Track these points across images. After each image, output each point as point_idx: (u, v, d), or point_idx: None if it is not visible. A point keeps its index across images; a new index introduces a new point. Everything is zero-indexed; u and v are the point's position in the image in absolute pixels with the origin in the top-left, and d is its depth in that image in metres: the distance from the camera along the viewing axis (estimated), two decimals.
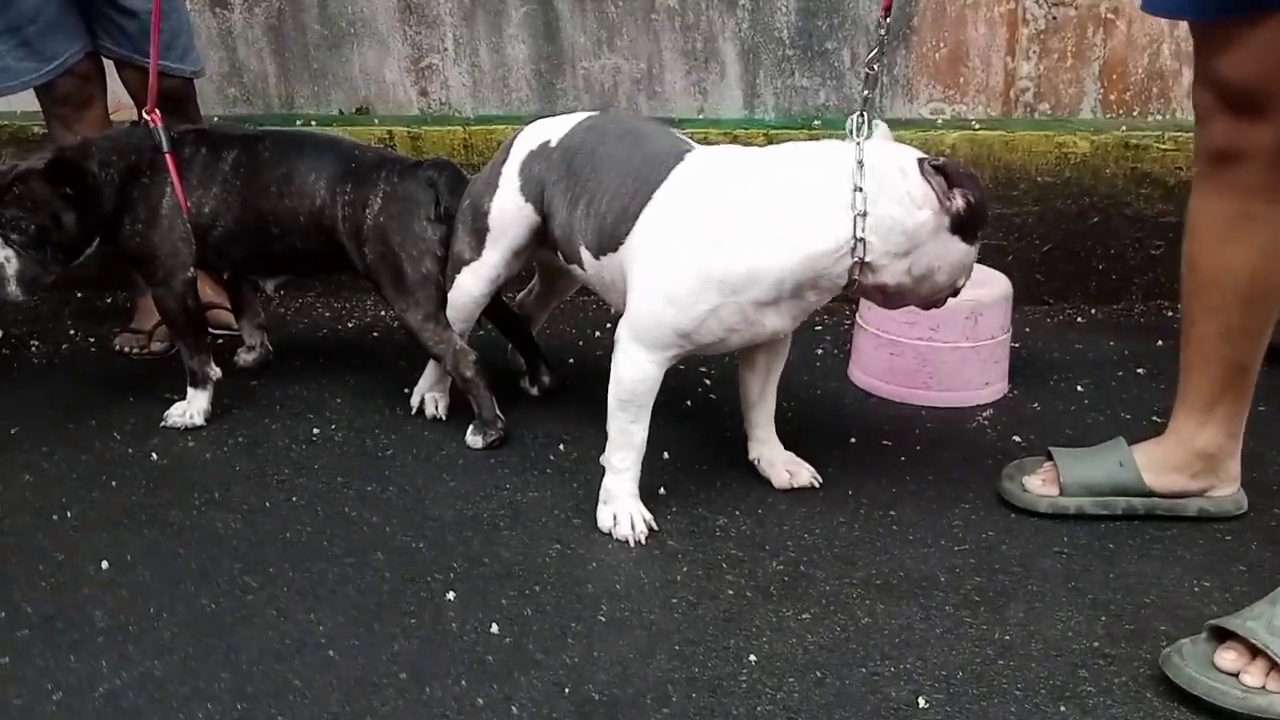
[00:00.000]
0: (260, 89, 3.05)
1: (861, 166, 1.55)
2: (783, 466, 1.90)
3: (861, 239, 1.56)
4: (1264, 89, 1.47)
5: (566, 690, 1.38)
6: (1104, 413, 2.16)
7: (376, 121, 2.95)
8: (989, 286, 2.20)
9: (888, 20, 1.65)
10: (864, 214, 1.55)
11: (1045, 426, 2.10)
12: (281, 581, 1.61)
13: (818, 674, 1.40)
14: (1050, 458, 1.83)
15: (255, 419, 2.15)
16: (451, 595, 1.57)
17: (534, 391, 2.24)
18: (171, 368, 2.39)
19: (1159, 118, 2.86)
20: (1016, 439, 2.05)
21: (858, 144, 1.57)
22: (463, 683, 1.39)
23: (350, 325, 2.70)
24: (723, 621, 1.51)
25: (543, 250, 1.98)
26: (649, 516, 1.74)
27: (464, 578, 1.62)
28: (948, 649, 1.45)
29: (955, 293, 1.70)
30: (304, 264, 2.18)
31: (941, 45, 2.88)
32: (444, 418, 2.13)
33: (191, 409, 2.10)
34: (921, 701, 1.35)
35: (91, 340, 2.62)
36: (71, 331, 2.67)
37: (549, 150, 1.88)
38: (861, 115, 1.58)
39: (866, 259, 1.57)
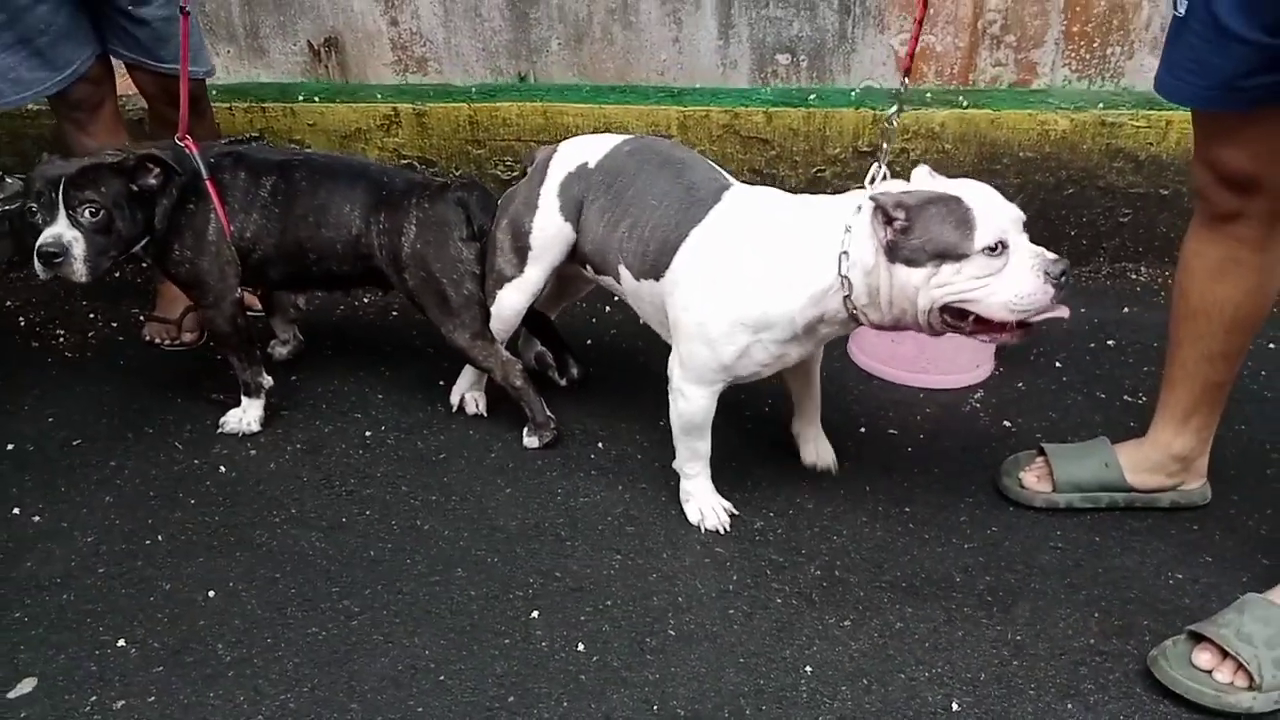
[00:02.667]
0: (223, 18, 3.03)
1: (859, 210, 1.70)
2: (814, 446, 2.14)
3: (845, 277, 1.70)
4: (1257, 173, 1.65)
5: (655, 707, 1.60)
6: (1081, 392, 2.40)
7: (380, 97, 2.97)
8: None
9: (905, 80, 1.78)
10: (846, 253, 1.69)
11: (1030, 408, 2.34)
12: (379, 605, 1.79)
13: (864, 681, 1.65)
14: (1042, 453, 2.07)
15: (307, 422, 2.28)
16: (536, 614, 1.77)
17: (563, 383, 2.40)
18: (207, 361, 2.50)
19: (1116, 49, 3.01)
20: (1007, 423, 2.29)
21: (868, 191, 1.71)
22: (564, 703, 1.61)
23: (367, 302, 2.81)
24: (776, 632, 1.74)
25: (569, 264, 2.11)
26: (728, 505, 1.99)
27: (542, 594, 1.82)
28: (970, 651, 1.71)
29: (1020, 324, 1.67)
30: (338, 284, 2.28)
31: None
32: (485, 414, 2.29)
33: (248, 417, 2.22)
34: (954, 705, 1.61)
35: (115, 325, 2.69)
36: (92, 315, 2.73)
37: (588, 172, 2.00)
38: (878, 165, 1.73)
39: (850, 295, 1.72)
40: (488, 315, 2.14)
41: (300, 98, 2.97)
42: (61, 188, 1.92)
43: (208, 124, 2.52)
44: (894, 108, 1.80)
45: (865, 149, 2.93)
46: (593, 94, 2.98)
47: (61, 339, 2.63)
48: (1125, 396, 2.38)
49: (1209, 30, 1.57)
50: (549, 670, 1.67)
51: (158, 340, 2.58)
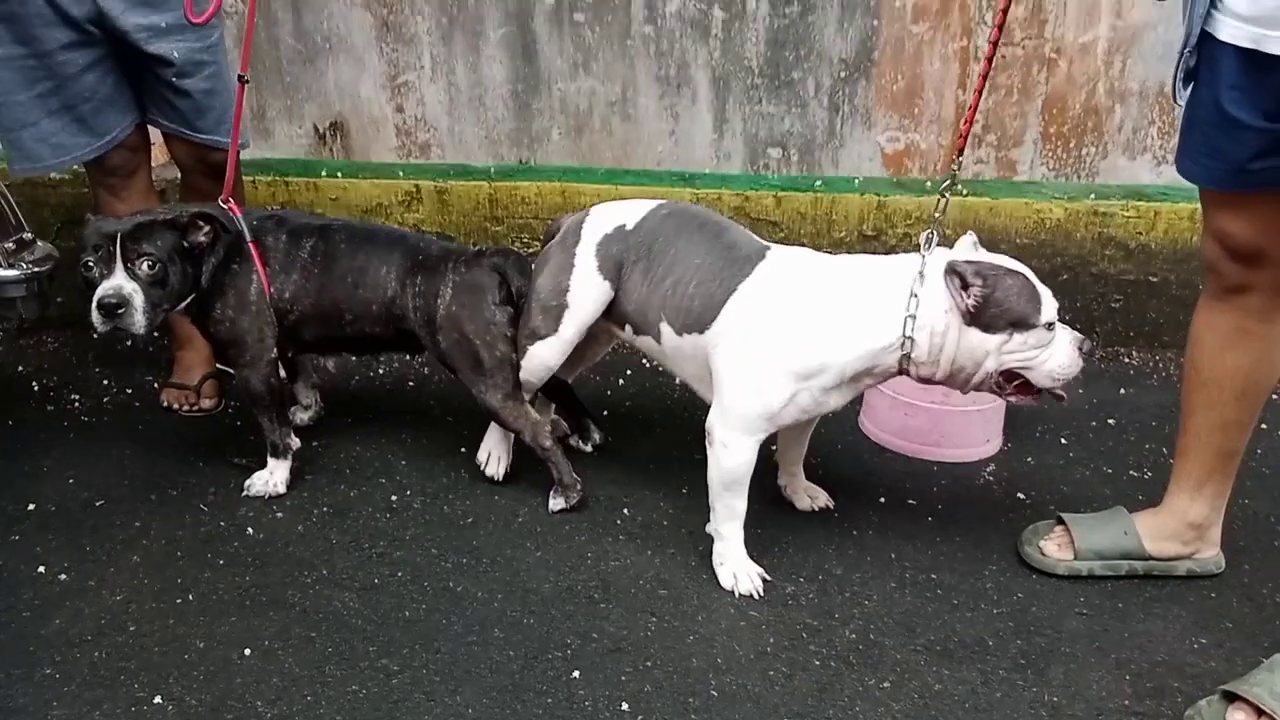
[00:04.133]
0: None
1: (922, 277, 1.83)
2: (805, 493, 2.27)
3: (910, 337, 1.83)
4: (1263, 246, 1.76)
5: None
6: (1088, 466, 2.47)
7: (401, 174, 3.05)
8: None
9: (960, 158, 1.90)
10: (913, 316, 1.82)
11: (1042, 481, 2.40)
12: (418, 664, 1.78)
13: None
14: (1060, 522, 2.12)
15: (331, 486, 2.28)
16: (576, 673, 1.77)
17: (588, 448, 2.43)
18: (227, 427, 2.50)
19: (1091, 150, 3.17)
20: (1020, 495, 2.35)
21: (923, 257, 1.83)
22: None
23: (382, 373, 2.83)
24: (817, 693, 1.76)
25: (599, 321, 2.15)
26: (760, 570, 2.01)
27: (581, 654, 1.82)
28: (1009, 712, 1.73)
29: (1027, 391, 1.89)
30: (369, 346, 2.31)
31: (899, 79, 3.13)
32: (500, 478, 2.29)
33: (274, 479, 2.22)
34: None
35: (129, 392, 2.69)
36: (106, 382, 2.73)
37: (626, 234, 2.08)
38: (931, 232, 1.84)
39: (911, 354, 1.85)
40: (519, 377, 2.18)
41: (323, 173, 3.04)
42: (119, 242, 1.95)
43: (239, 196, 2.56)
44: (946, 180, 1.93)
45: (869, 233, 3.04)
46: (608, 176, 3.08)
47: (76, 403, 2.62)
48: (1131, 471, 2.45)
49: (1217, 118, 1.69)
50: None
51: (176, 406, 2.58)
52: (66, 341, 2.92)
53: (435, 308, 2.17)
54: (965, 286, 1.80)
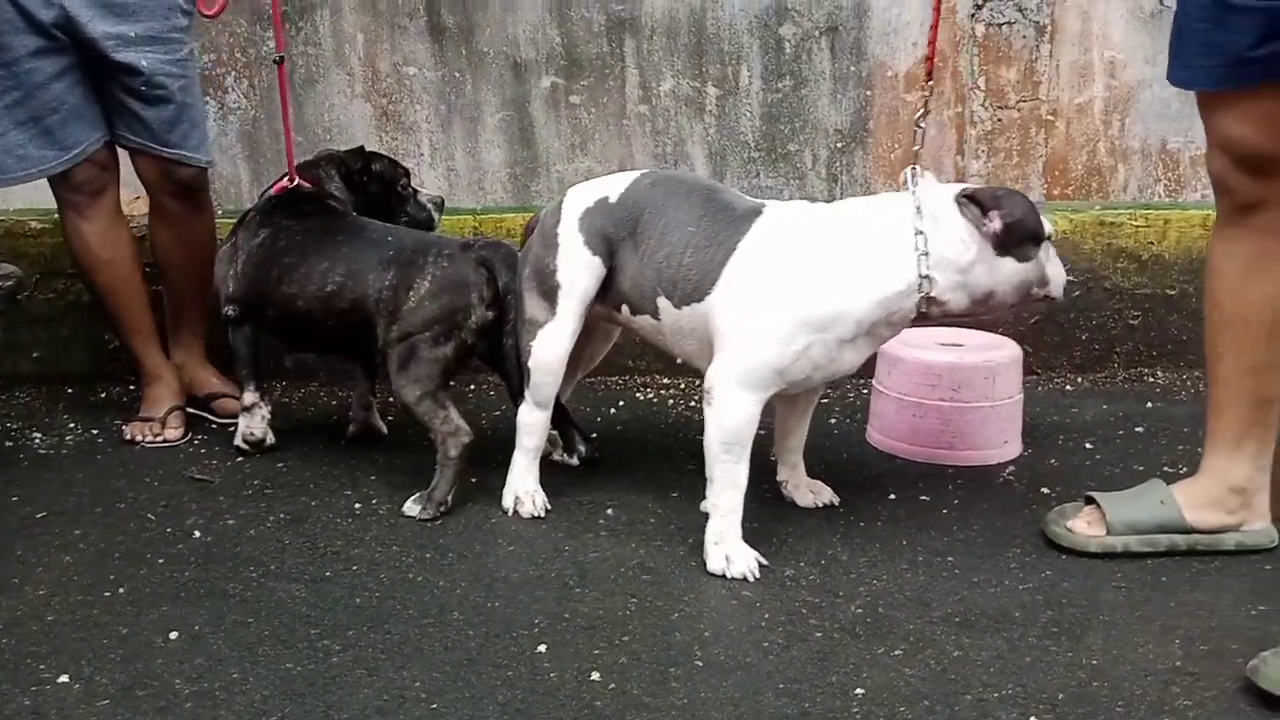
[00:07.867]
0: (232, 194, 3.06)
1: (919, 212, 1.71)
2: (806, 489, 2.09)
3: (927, 276, 1.71)
4: (1273, 151, 1.63)
5: None
6: (1117, 466, 2.26)
7: None
8: (1002, 349, 2.34)
9: (930, 83, 1.82)
10: (925, 254, 1.71)
11: (1068, 479, 2.19)
12: (363, 644, 1.58)
13: (926, 703, 1.43)
14: (1090, 502, 1.91)
15: (292, 498, 2.11)
16: (542, 648, 1.56)
17: (574, 461, 2.24)
18: (190, 454, 2.36)
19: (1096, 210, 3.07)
20: (1045, 490, 2.14)
21: (913, 192, 1.71)
22: None
23: None
24: (818, 660, 1.53)
25: (596, 307, 2.02)
26: (758, 555, 1.80)
27: (549, 632, 1.61)
28: (1042, 674, 1.49)
29: (1047, 301, 1.87)
30: (317, 342, 2.30)
31: (896, 147, 3.08)
32: (541, 514, 2.03)
33: (250, 424, 2.30)
34: None
35: (95, 432, 2.55)
36: (72, 424, 2.59)
37: (609, 206, 1.96)
38: (913, 168, 1.72)
39: (932, 294, 1.72)
40: (446, 381, 2.06)
41: None
42: None
43: (207, 218, 2.50)
44: (921, 111, 1.86)
45: None
46: None
47: (37, 440, 2.48)
48: (1166, 468, 2.23)
49: (1209, 9, 1.60)
50: (559, 698, 1.44)
51: (139, 437, 2.43)
52: (39, 395, 2.80)
53: (404, 300, 2.05)
54: (985, 213, 1.71)
